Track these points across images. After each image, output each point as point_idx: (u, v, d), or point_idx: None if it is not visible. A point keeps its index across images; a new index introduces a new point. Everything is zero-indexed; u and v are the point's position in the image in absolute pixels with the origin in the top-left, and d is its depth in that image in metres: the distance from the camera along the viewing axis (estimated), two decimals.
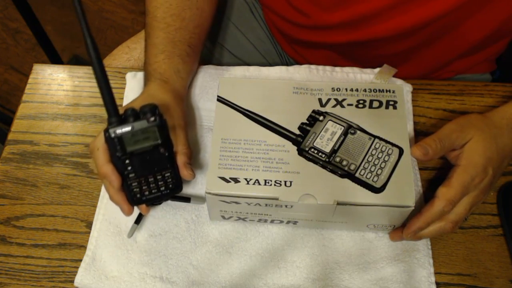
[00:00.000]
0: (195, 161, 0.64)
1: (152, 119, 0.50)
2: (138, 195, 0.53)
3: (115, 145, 0.50)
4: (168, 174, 0.53)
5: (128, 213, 0.54)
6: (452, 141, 0.55)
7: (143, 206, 0.56)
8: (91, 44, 0.47)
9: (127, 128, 0.50)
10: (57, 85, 0.73)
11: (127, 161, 0.52)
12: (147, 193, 0.54)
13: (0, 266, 0.59)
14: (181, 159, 0.55)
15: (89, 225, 0.61)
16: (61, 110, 0.70)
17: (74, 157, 0.66)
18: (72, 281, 0.57)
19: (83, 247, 0.60)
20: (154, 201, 0.55)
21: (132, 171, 0.52)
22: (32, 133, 0.68)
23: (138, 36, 0.87)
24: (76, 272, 0.57)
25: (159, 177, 0.53)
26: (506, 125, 0.57)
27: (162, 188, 0.54)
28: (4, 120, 1.57)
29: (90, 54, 0.47)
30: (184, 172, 0.55)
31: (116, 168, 0.52)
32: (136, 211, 0.57)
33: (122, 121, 0.50)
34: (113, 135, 0.50)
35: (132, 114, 0.51)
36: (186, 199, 0.59)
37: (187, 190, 0.62)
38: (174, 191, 0.55)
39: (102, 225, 0.60)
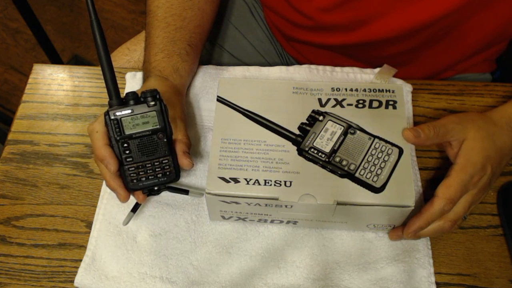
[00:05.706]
0: (194, 159, 0.64)
1: (153, 103, 0.51)
2: (135, 181, 0.53)
3: (113, 127, 0.50)
4: (166, 161, 0.53)
5: (124, 199, 0.54)
6: (448, 130, 0.55)
7: (140, 194, 0.56)
8: (96, 24, 0.47)
9: (126, 111, 0.50)
10: (57, 85, 0.73)
11: (125, 145, 0.52)
12: (144, 179, 0.53)
13: (0, 266, 0.59)
14: (180, 147, 0.55)
15: (89, 225, 0.61)
16: (61, 110, 0.71)
17: (74, 157, 0.66)
18: (72, 281, 0.57)
19: (83, 247, 0.60)
20: (151, 188, 0.55)
21: (129, 155, 0.52)
22: (32, 133, 0.68)
23: (138, 37, 0.87)
24: (76, 272, 0.57)
25: (156, 163, 0.53)
26: (506, 124, 0.57)
27: (160, 175, 0.54)
28: (4, 120, 1.58)
29: (95, 34, 0.48)
30: (183, 161, 0.54)
31: (113, 152, 0.52)
32: (133, 200, 0.57)
33: (123, 104, 0.51)
34: (112, 117, 0.50)
35: (133, 98, 0.51)
36: (185, 191, 0.59)
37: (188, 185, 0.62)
38: (171, 178, 0.55)
39: (102, 225, 0.60)
